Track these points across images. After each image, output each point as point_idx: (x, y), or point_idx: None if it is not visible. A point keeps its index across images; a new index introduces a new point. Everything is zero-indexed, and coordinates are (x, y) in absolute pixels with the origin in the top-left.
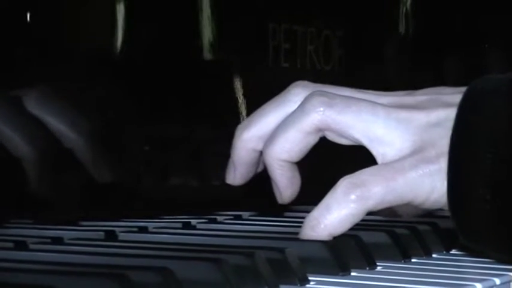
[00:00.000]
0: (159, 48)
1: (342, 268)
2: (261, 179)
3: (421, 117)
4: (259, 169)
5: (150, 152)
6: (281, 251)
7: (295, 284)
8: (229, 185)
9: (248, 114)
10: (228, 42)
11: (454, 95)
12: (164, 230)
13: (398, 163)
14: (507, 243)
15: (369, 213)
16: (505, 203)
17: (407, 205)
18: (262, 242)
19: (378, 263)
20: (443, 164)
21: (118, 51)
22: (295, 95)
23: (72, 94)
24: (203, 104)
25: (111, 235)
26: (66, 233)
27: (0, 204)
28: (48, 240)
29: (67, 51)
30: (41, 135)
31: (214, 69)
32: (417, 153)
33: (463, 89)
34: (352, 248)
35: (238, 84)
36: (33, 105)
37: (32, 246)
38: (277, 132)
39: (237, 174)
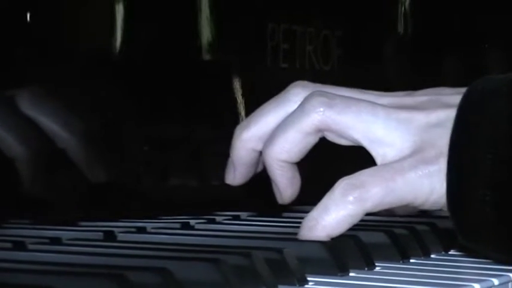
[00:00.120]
0: (158, 49)
1: (340, 268)
2: (260, 180)
3: (421, 118)
4: (259, 169)
5: (148, 152)
6: (280, 251)
7: (294, 285)
8: (227, 185)
9: (247, 114)
10: (227, 42)
11: (454, 96)
12: (163, 231)
13: (397, 164)
14: (507, 244)
15: (368, 213)
16: (505, 203)
17: (406, 205)
18: (260, 243)
19: (376, 263)
20: (442, 165)
21: (117, 51)
22: (295, 95)
23: (71, 94)
24: (202, 104)
25: (109, 235)
26: (64, 233)
27: None
28: (47, 241)
29: (66, 51)
30: (39, 136)
31: (213, 70)
32: (417, 154)
33: (463, 89)
34: (351, 248)
35: (237, 85)
36: (32, 105)
37: (30, 247)
38: (276, 132)
39: (236, 174)
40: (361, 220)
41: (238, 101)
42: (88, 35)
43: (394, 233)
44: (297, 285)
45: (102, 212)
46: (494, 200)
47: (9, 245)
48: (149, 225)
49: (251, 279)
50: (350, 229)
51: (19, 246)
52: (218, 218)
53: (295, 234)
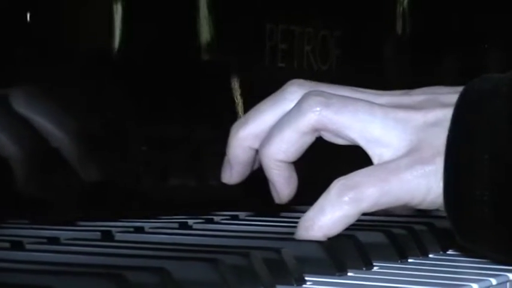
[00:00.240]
0: (156, 49)
1: (338, 268)
2: (258, 180)
3: (419, 117)
4: (255, 167)
5: (146, 152)
6: (277, 251)
7: (292, 284)
8: (226, 185)
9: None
10: (225, 42)
11: (451, 95)
12: (161, 230)
13: (393, 164)
14: (505, 244)
15: (365, 213)
16: (503, 203)
17: (403, 205)
18: (258, 242)
19: (374, 263)
20: (439, 164)
21: (116, 51)
22: (292, 93)
23: (70, 94)
24: (200, 104)
25: (107, 235)
26: (62, 233)
27: None
28: (45, 240)
29: (67, 51)
30: (37, 135)
31: (212, 70)
32: (413, 153)
33: (460, 88)
34: (349, 248)
35: (235, 85)
36: (30, 105)
37: (28, 247)
38: (273, 132)
39: (233, 172)
40: (359, 220)
41: (237, 101)
42: (87, 35)
43: (392, 233)
44: (295, 285)
45: (100, 212)
46: (492, 200)
47: (7, 244)
48: (147, 225)
49: (249, 279)
50: (348, 229)
51: (17, 246)
52: (216, 218)
53: (293, 234)
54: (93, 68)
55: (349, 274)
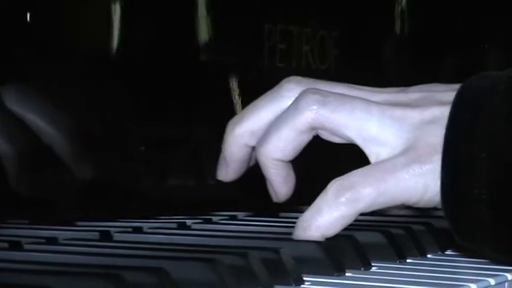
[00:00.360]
0: (155, 49)
1: (336, 268)
2: (256, 180)
3: (415, 115)
4: (251, 164)
5: (145, 152)
6: (276, 251)
7: (290, 284)
8: (224, 186)
9: None
10: (224, 42)
11: (448, 93)
12: (159, 231)
13: (390, 163)
14: (504, 243)
15: (363, 213)
16: (501, 202)
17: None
18: (257, 243)
19: (372, 263)
20: (436, 163)
21: (115, 51)
22: (289, 90)
23: (70, 94)
24: (199, 104)
25: (106, 235)
26: (61, 233)
27: None
28: (43, 241)
29: (67, 51)
30: (37, 135)
31: (211, 70)
32: (410, 152)
33: (457, 86)
34: (347, 248)
35: (234, 85)
36: (29, 105)
37: (26, 247)
38: (270, 130)
39: (229, 170)
40: (357, 220)
41: (235, 101)
42: (87, 36)
43: (390, 233)
44: (293, 285)
45: (99, 212)
46: (491, 198)
47: (5, 244)
48: (145, 225)
49: (247, 279)
50: (346, 229)
51: (15, 246)
52: (215, 218)
53: (291, 234)
54: (93, 68)
55: (347, 274)
